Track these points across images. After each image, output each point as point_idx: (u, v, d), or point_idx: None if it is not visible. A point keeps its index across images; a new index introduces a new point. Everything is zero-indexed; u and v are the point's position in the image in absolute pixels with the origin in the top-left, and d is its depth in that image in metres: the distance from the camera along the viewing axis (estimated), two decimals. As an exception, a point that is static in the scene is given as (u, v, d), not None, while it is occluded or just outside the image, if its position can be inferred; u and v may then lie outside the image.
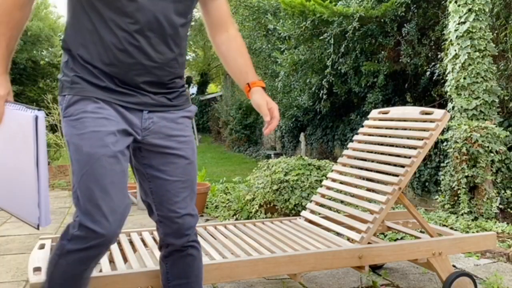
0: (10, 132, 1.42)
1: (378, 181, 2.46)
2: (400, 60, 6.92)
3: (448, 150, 4.46)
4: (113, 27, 1.35)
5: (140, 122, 1.45)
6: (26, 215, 1.43)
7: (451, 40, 4.64)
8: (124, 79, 1.40)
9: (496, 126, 4.30)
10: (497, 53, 4.66)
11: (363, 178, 2.60)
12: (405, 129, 2.57)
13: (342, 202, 2.68)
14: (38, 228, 1.42)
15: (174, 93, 1.51)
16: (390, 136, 2.63)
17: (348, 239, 2.41)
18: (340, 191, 2.72)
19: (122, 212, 1.38)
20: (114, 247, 2.23)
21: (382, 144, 2.63)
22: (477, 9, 4.41)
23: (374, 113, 2.85)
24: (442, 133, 4.42)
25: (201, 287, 1.66)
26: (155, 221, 1.59)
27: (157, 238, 2.35)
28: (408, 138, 2.50)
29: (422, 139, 2.37)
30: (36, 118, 1.37)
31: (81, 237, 1.37)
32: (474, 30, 4.43)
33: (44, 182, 1.38)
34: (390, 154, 2.53)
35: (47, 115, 8.01)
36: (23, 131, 1.38)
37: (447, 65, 4.75)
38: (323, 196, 2.78)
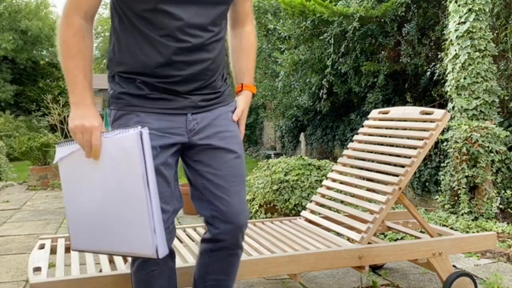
0: (111, 163, 1.36)
1: (378, 181, 2.46)
2: (400, 60, 6.92)
3: (448, 150, 4.46)
4: (156, 43, 1.41)
5: (185, 125, 1.50)
6: (138, 248, 1.36)
7: (451, 40, 4.64)
8: (166, 88, 1.45)
9: (496, 126, 4.30)
10: (497, 53, 4.65)
11: (363, 178, 2.59)
12: (405, 129, 2.57)
13: (342, 202, 2.68)
14: (158, 257, 1.33)
15: (216, 93, 1.55)
16: (390, 136, 2.63)
17: (348, 239, 2.41)
18: (340, 191, 2.71)
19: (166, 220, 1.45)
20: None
21: (382, 144, 2.63)
22: (477, 9, 4.41)
23: (374, 113, 2.85)
24: (442, 133, 4.42)
25: (233, 285, 1.65)
26: (207, 218, 1.57)
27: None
28: (408, 138, 2.49)
29: (422, 139, 2.37)
30: (141, 134, 1.32)
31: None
32: (474, 30, 4.42)
33: (156, 203, 1.34)
34: (390, 154, 2.52)
35: (47, 115, 8.01)
36: (127, 153, 1.34)
37: (447, 65, 4.74)
38: (323, 196, 2.78)
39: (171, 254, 1.56)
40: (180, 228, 2.49)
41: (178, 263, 1.92)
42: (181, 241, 2.36)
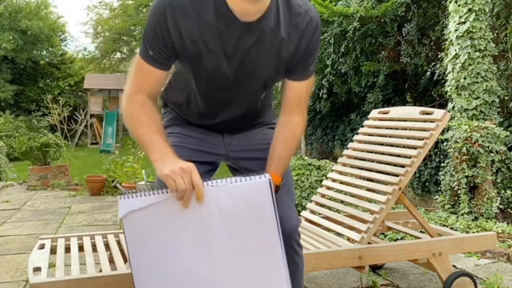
0: (222, 215, 1.26)
1: (378, 181, 2.46)
2: (400, 60, 6.92)
3: (448, 150, 4.46)
4: (204, 97, 1.49)
5: (223, 141, 1.60)
6: None
7: (451, 40, 4.64)
8: (210, 126, 1.58)
9: (496, 126, 4.30)
10: (497, 53, 4.66)
11: (363, 178, 2.59)
12: (405, 129, 2.57)
13: (342, 202, 2.68)
14: None
15: (257, 122, 1.65)
16: (390, 136, 2.63)
17: (348, 239, 2.41)
18: (340, 191, 2.71)
19: None
20: (114, 247, 2.23)
21: (382, 144, 2.63)
22: (477, 9, 4.41)
23: (374, 113, 2.85)
24: (442, 133, 4.41)
25: None
26: None
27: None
28: (408, 138, 2.49)
29: (422, 139, 2.37)
30: (270, 182, 1.24)
31: None
32: (474, 30, 4.42)
33: (283, 252, 1.26)
34: (390, 154, 2.52)
35: (47, 115, 8.01)
36: (251, 203, 1.25)
37: (447, 65, 4.75)
38: (323, 196, 2.78)
39: None
40: None
41: None
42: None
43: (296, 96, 1.55)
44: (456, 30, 4.55)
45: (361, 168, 2.65)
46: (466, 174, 4.14)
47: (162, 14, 1.33)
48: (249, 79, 1.46)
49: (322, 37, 7.37)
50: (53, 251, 2.19)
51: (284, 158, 1.51)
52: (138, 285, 1.27)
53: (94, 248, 2.24)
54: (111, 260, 2.15)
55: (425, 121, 2.45)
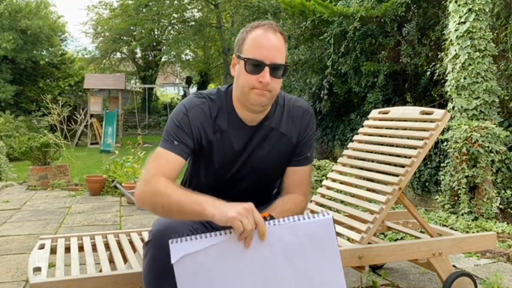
0: (285, 253, 1.29)
1: (378, 181, 2.46)
2: (400, 60, 6.92)
3: (448, 150, 4.46)
4: (209, 188, 1.63)
5: None
6: None
7: (451, 40, 4.64)
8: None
9: (496, 126, 4.30)
10: (497, 53, 4.65)
11: (363, 178, 2.59)
12: (405, 129, 2.57)
13: (342, 202, 2.68)
14: None
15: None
16: (390, 136, 2.63)
17: (348, 239, 2.41)
18: (340, 191, 2.71)
19: None
20: (114, 247, 2.23)
21: (382, 144, 2.63)
22: (477, 9, 4.41)
23: (374, 113, 2.85)
24: (442, 133, 4.41)
25: None
26: None
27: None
28: (408, 138, 2.49)
29: (422, 139, 2.37)
30: (332, 219, 1.32)
31: None
32: (474, 30, 4.42)
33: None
34: (390, 154, 2.52)
35: (46, 115, 8.00)
36: (319, 238, 1.29)
37: (447, 65, 4.74)
38: (323, 196, 2.78)
39: None
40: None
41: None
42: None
43: (297, 178, 1.72)
44: (456, 30, 4.55)
45: (361, 168, 2.65)
46: (466, 174, 4.14)
47: (184, 115, 1.62)
48: (258, 171, 1.69)
49: (322, 37, 7.37)
50: (53, 251, 2.19)
51: (278, 207, 1.61)
52: None
53: (94, 248, 2.24)
54: (111, 260, 2.15)
55: (425, 121, 2.45)
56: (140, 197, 1.53)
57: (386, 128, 2.73)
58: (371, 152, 2.67)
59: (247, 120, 1.65)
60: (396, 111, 2.71)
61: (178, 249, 1.30)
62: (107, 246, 2.26)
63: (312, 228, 1.30)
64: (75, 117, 9.13)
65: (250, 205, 1.35)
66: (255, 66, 1.54)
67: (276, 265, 1.28)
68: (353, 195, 2.59)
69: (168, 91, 30.41)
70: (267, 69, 1.54)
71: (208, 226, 1.60)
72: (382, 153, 2.58)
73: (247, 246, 1.31)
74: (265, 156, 1.69)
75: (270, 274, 1.27)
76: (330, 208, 2.68)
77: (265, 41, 1.55)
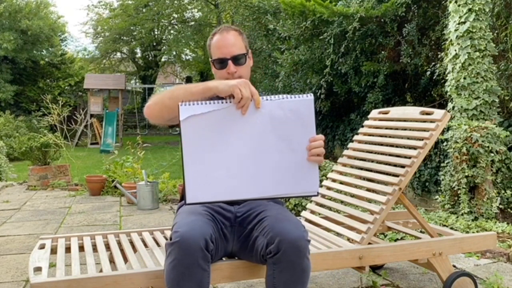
0: (273, 122, 1.63)
1: (378, 182, 2.46)
2: (400, 61, 6.92)
3: (448, 150, 4.46)
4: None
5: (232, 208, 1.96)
6: (303, 189, 1.67)
7: (451, 40, 4.64)
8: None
9: (496, 126, 4.30)
10: (497, 53, 4.65)
11: (363, 178, 2.59)
12: (405, 129, 2.57)
13: (342, 202, 2.68)
14: (317, 195, 1.73)
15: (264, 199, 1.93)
16: (390, 136, 2.63)
17: (348, 239, 2.41)
18: (340, 191, 2.71)
19: None
20: (114, 247, 2.23)
21: (382, 144, 2.63)
22: (477, 9, 4.41)
23: (374, 113, 2.85)
24: (442, 133, 4.41)
25: None
26: None
27: (157, 239, 2.36)
28: (408, 138, 2.49)
29: (422, 139, 2.37)
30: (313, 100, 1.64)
31: None
32: (474, 30, 4.42)
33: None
34: (390, 154, 2.52)
35: (46, 115, 8.00)
36: (298, 115, 1.63)
37: (447, 65, 4.74)
38: (323, 196, 2.78)
39: (207, 257, 1.64)
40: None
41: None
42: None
43: None
44: (456, 30, 4.55)
45: (361, 168, 2.65)
46: (466, 174, 4.14)
47: None
48: None
49: (322, 37, 7.37)
50: (53, 251, 2.19)
51: None
52: (190, 186, 1.58)
53: (94, 248, 2.25)
54: (112, 260, 2.15)
55: (425, 121, 2.45)
56: (148, 111, 1.83)
57: (386, 128, 2.73)
58: (371, 152, 2.67)
59: None
60: (396, 111, 2.71)
61: (187, 110, 1.60)
62: (107, 246, 2.26)
63: (296, 105, 1.64)
64: (75, 117, 9.14)
65: (247, 80, 1.69)
66: (220, 63, 1.91)
67: (265, 130, 1.62)
68: (353, 195, 2.59)
69: (168, 91, 30.36)
70: (229, 62, 1.89)
71: (218, 220, 1.84)
72: (382, 153, 2.58)
73: (244, 113, 1.63)
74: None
75: (259, 137, 1.62)
76: (330, 208, 2.68)
77: (221, 41, 1.91)
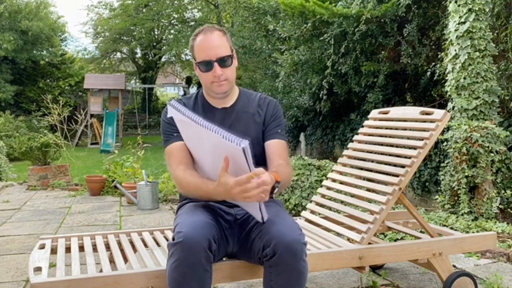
0: (215, 149, 1.64)
1: (378, 182, 2.46)
2: (401, 61, 6.92)
3: (448, 150, 4.46)
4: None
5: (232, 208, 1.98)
6: (251, 212, 1.77)
7: (451, 40, 4.64)
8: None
9: (496, 126, 4.30)
10: (497, 53, 4.65)
11: (363, 178, 2.59)
12: (405, 129, 2.57)
13: (342, 202, 2.68)
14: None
15: None
16: (390, 136, 2.63)
17: (348, 239, 2.41)
18: (340, 191, 2.71)
19: None
20: (114, 247, 2.23)
21: (382, 144, 2.63)
22: (477, 9, 4.41)
23: (374, 113, 2.85)
24: (442, 133, 4.41)
25: None
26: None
27: (157, 239, 2.36)
28: (408, 138, 2.49)
29: (422, 139, 2.37)
30: (244, 149, 1.52)
31: None
32: (474, 30, 4.42)
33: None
34: (390, 154, 2.52)
35: (47, 115, 8.00)
36: (233, 153, 1.57)
37: (447, 65, 4.74)
38: (323, 196, 2.78)
39: (209, 258, 1.64)
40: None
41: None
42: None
43: (276, 150, 1.97)
44: (456, 30, 4.55)
45: (361, 168, 2.65)
46: (466, 174, 4.14)
47: (165, 113, 1.95)
48: None
49: (322, 38, 7.38)
50: (53, 251, 2.19)
51: (281, 168, 1.85)
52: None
53: (94, 248, 2.25)
54: (112, 260, 2.15)
55: (425, 121, 2.45)
56: (176, 181, 1.89)
57: (386, 128, 2.73)
58: (371, 152, 2.67)
59: (217, 105, 2.00)
60: (396, 111, 2.71)
61: (171, 111, 1.76)
62: (107, 246, 2.26)
63: (231, 148, 1.55)
64: (75, 117, 9.13)
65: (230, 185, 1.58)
66: (206, 66, 1.87)
67: (211, 149, 1.66)
68: (353, 195, 2.59)
69: (168, 91, 30.42)
70: (215, 64, 1.85)
71: (220, 221, 1.85)
72: (382, 153, 2.58)
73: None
74: (240, 135, 1.72)
75: (209, 151, 1.68)
76: (330, 208, 2.68)
77: (206, 43, 1.86)
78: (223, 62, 1.86)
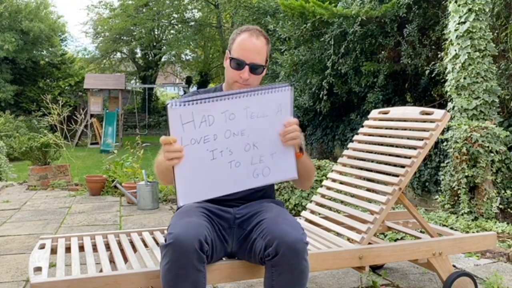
0: (253, 117, 1.67)
1: (378, 182, 2.46)
2: (401, 61, 6.92)
3: (448, 150, 4.46)
4: None
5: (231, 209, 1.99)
6: (282, 177, 1.82)
7: (451, 40, 4.64)
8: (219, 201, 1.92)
9: (496, 126, 4.30)
10: (497, 53, 4.65)
11: (363, 178, 2.59)
12: (405, 129, 2.57)
13: (342, 202, 2.68)
14: (296, 177, 1.79)
15: (260, 198, 2.02)
16: (390, 136, 2.63)
17: (348, 239, 2.41)
18: (340, 191, 2.71)
19: None
20: (114, 247, 2.23)
21: (382, 144, 2.63)
22: (477, 9, 4.41)
23: (374, 113, 2.85)
24: (442, 133, 4.41)
25: None
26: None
27: (157, 239, 2.36)
28: (408, 138, 2.49)
29: (422, 139, 2.37)
30: (290, 89, 1.70)
31: None
32: (474, 30, 4.42)
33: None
34: (390, 154, 2.52)
35: (46, 115, 8.00)
36: (275, 106, 1.69)
37: (447, 65, 4.74)
38: (323, 196, 2.78)
39: (202, 258, 1.64)
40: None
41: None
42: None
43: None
44: (456, 30, 4.55)
45: (361, 168, 2.65)
46: (466, 174, 4.14)
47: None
48: None
49: (322, 39, 7.37)
50: (53, 251, 2.19)
51: (302, 162, 1.85)
52: (179, 189, 1.62)
53: (94, 248, 2.25)
54: (112, 260, 2.15)
55: (425, 121, 2.45)
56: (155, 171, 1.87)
57: (386, 128, 2.73)
58: (371, 152, 2.67)
59: None
60: (396, 111, 2.71)
61: (183, 111, 1.61)
62: (107, 246, 2.26)
63: (274, 97, 1.68)
64: (75, 117, 9.13)
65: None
66: (238, 65, 1.86)
67: (241, 128, 1.66)
68: (353, 195, 2.59)
69: (168, 91, 30.40)
70: (246, 67, 1.85)
71: (216, 221, 1.85)
72: (382, 153, 2.58)
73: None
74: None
75: (235, 136, 1.67)
76: (330, 208, 2.68)
77: (248, 44, 1.86)
78: (254, 69, 1.87)
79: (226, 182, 1.68)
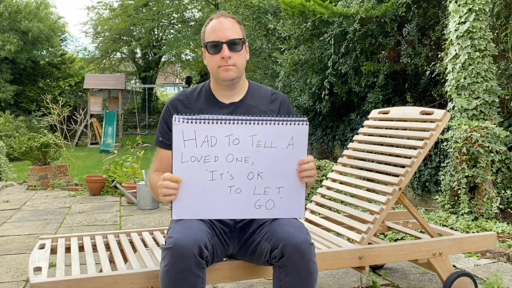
0: (266, 147, 1.63)
1: (378, 182, 2.46)
2: (401, 61, 6.92)
3: (448, 150, 4.46)
4: None
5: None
6: (288, 214, 1.71)
7: (451, 40, 4.63)
8: None
9: (496, 126, 4.30)
10: (497, 53, 4.65)
11: (363, 178, 2.59)
12: (405, 129, 2.57)
13: (342, 202, 2.68)
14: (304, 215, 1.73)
15: None
16: (390, 136, 2.63)
17: (348, 239, 2.41)
18: (340, 191, 2.71)
19: None
20: (114, 247, 2.23)
21: (382, 144, 2.63)
22: (477, 9, 4.41)
23: (374, 113, 2.85)
24: (442, 133, 4.41)
25: None
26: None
27: (157, 239, 2.36)
28: (408, 138, 2.49)
29: (422, 139, 2.37)
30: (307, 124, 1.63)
31: None
32: (474, 30, 4.42)
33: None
34: (390, 154, 2.52)
35: (46, 115, 8.00)
36: (290, 140, 1.63)
37: (447, 65, 4.74)
38: (323, 196, 2.78)
39: (201, 264, 1.63)
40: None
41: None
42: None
43: None
44: (456, 30, 4.54)
45: (361, 168, 2.65)
46: (466, 174, 4.14)
47: (167, 109, 1.91)
48: None
49: (322, 38, 7.38)
50: (53, 251, 2.19)
51: None
52: (176, 203, 1.63)
53: (94, 248, 2.25)
54: (112, 260, 2.15)
55: (425, 121, 2.45)
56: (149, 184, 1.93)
57: (386, 128, 2.73)
58: (371, 152, 2.67)
59: (225, 99, 1.89)
60: (396, 111, 2.71)
61: (185, 127, 1.59)
62: (107, 246, 2.26)
63: (290, 131, 1.63)
64: (75, 117, 9.13)
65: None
66: (215, 47, 1.79)
67: (252, 156, 1.63)
68: (353, 195, 2.59)
69: (168, 91, 30.39)
70: (224, 46, 1.77)
71: (217, 226, 1.83)
72: (382, 153, 2.58)
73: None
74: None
75: (244, 163, 1.64)
76: (330, 208, 2.68)
77: (218, 25, 1.80)
78: (233, 45, 1.78)
79: (223, 206, 1.65)
